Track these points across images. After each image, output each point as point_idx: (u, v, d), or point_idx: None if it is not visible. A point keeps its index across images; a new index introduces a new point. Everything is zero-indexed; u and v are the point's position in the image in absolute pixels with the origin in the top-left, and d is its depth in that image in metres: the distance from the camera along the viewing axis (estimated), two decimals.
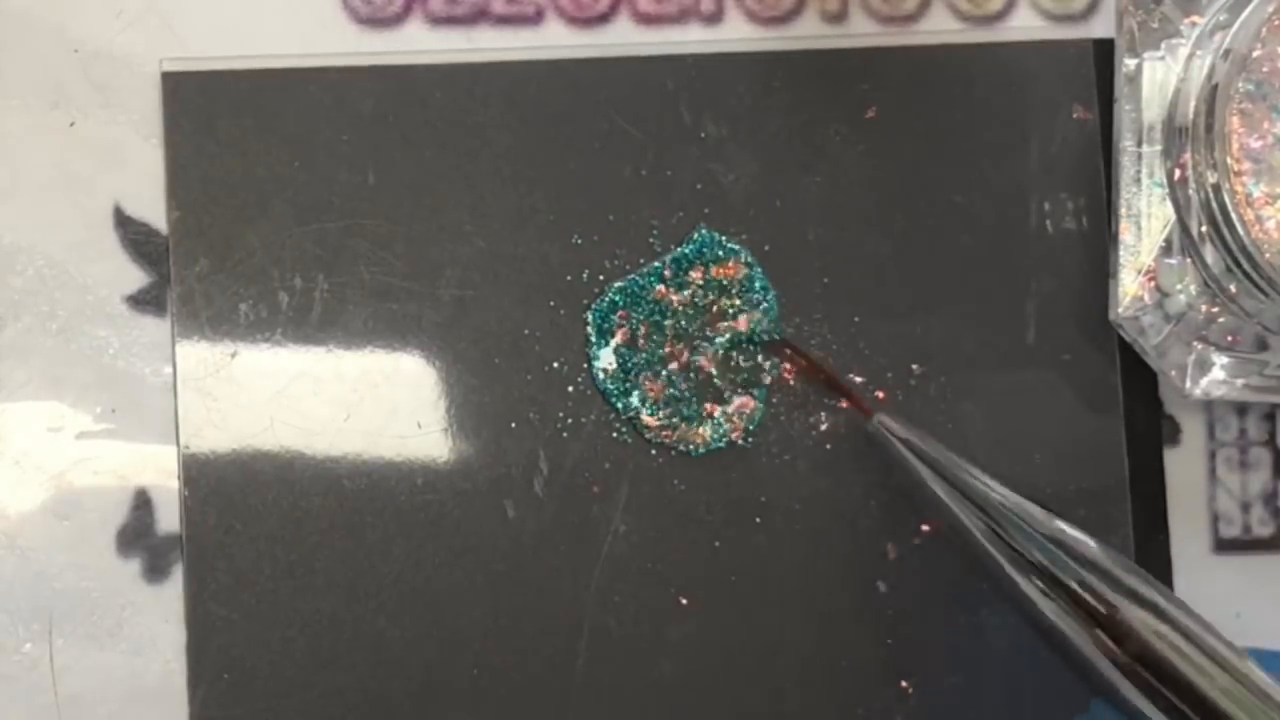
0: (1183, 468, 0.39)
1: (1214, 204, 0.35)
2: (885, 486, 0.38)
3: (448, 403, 0.38)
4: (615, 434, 0.38)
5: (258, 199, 0.38)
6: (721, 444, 0.38)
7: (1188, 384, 0.37)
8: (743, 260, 0.38)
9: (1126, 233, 0.37)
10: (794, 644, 0.38)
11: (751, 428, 0.38)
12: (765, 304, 0.38)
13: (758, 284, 0.38)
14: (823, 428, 0.38)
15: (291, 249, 0.38)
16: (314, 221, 0.38)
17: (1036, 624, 0.34)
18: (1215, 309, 0.37)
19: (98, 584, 0.37)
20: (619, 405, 0.38)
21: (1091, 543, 0.33)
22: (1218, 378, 0.37)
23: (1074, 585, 0.33)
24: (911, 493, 0.36)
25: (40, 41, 0.38)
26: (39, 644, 0.37)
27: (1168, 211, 0.37)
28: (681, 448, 0.38)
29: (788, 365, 0.38)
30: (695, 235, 0.38)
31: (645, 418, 0.38)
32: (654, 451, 0.38)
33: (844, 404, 0.38)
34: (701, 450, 0.38)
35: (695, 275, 0.38)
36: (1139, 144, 0.37)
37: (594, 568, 0.38)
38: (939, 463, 0.35)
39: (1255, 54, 0.35)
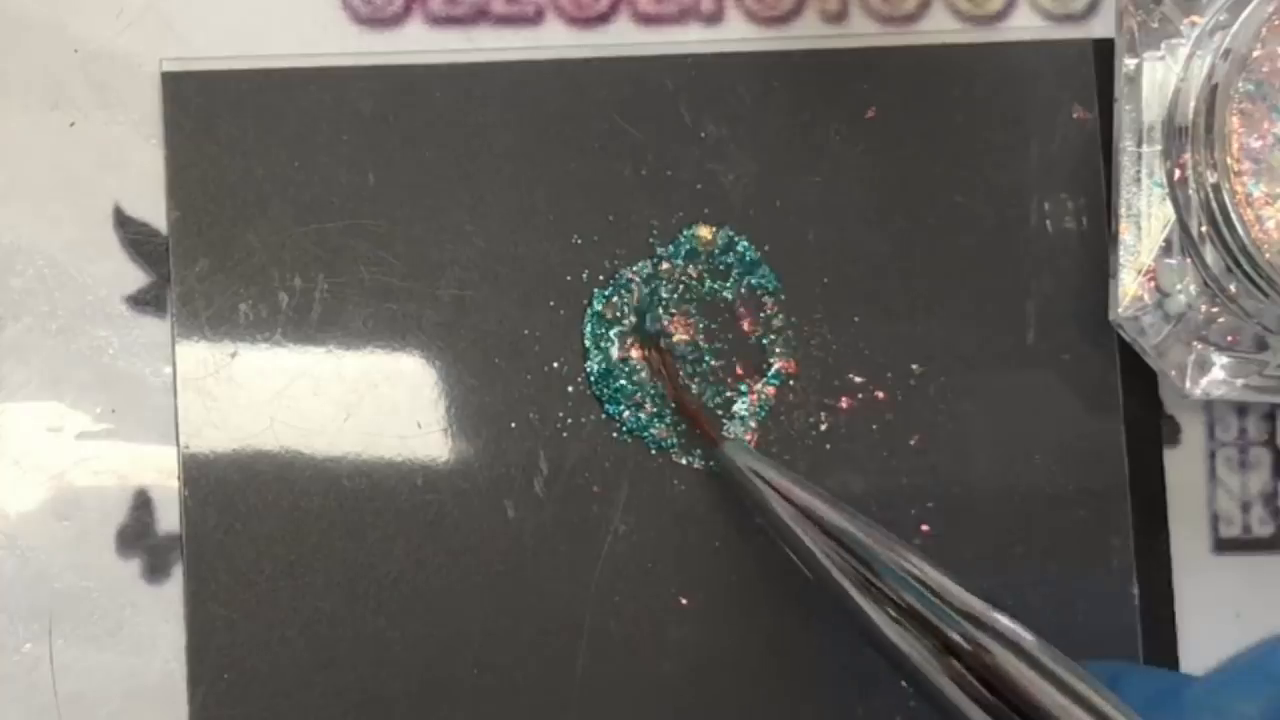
0: (1183, 468, 0.39)
1: (1214, 204, 0.35)
2: (885, 487, 0.38)
3: (448, 403, 0.38)
4: (615, 434, 0.38)
5: (258, 199, 0.38)
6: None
7: (1188, 384, 0.37)
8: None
9: (1126, 233, 0.37)
10: (794, 644, 0.38)
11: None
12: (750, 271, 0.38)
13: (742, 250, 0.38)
14: (823, 428, 0.38)
15: (291, 249, 0.38)
16: (314, 221, 0.38)
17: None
18: (1215, 309, 0.37)
19: (98, 584, 0.37)
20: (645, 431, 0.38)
21: (940, 576, 0.32)
22: (1217, 378, 0.37)
23: (929, 617, 0.31)
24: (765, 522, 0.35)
25: (40, 41, 0.38)
26: (39, 644, 0.37)
27: (1168, 211, 0.37)
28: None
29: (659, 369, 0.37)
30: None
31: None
32: (654, 451, 0.38)
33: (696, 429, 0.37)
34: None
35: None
36: (1139, 144, 0.37)
37: (594, 568, 0.38)
38: (790, 490, 0.34)
39: (1255, 54, 0.35)
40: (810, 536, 0.33)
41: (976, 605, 0.31)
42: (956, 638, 0.31)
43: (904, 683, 0.32)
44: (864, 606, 0.32)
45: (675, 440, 0.38)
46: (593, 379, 0.38)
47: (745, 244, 0.38)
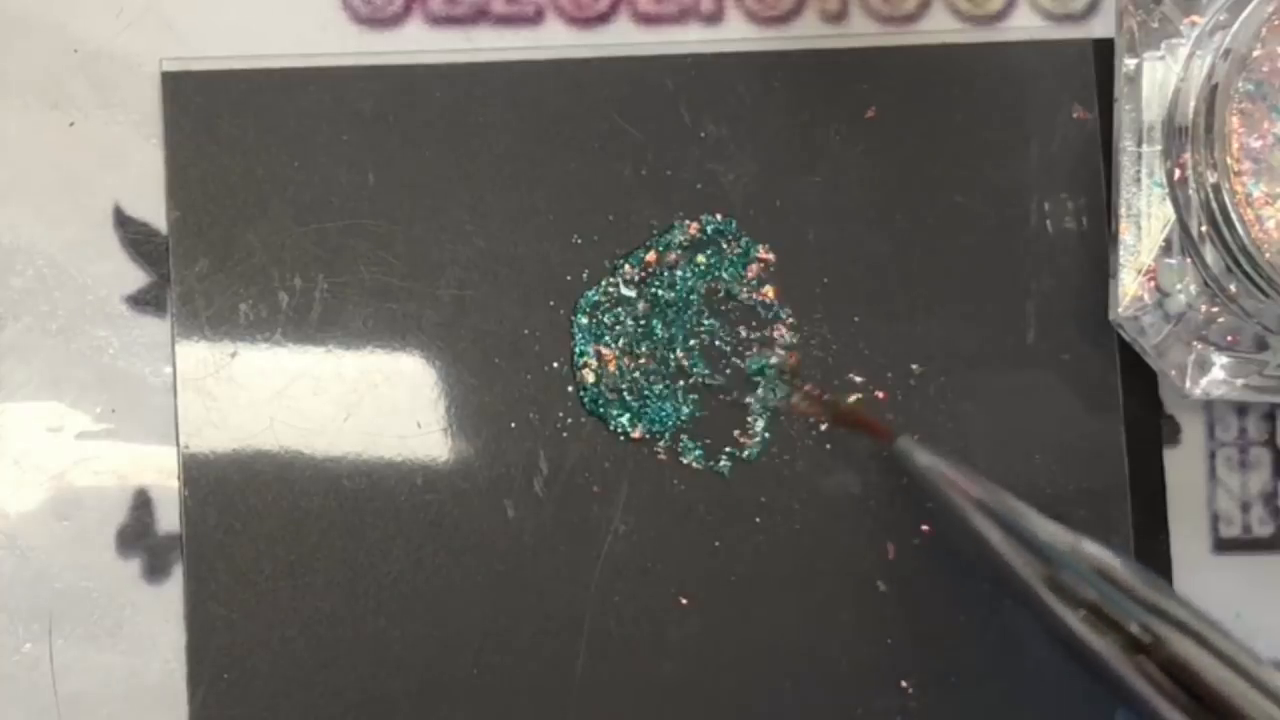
0: (1183, 468, 0.39)
1: (1214, 204, 0.35)
2: (885, 487, 0.38)
3: (447, 403, 0.38)
4: (615, 434, 0.38)
5: (258, 199, 0.38)
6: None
7: (1188, 384, 0.37)
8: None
9: (1126, 233, 0.37)
10: (794, 644, 0.38)
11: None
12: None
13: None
14: (823, 427, 0.38)
15: (291, 249, 0.38)
16: (314, 221, 0.38)
17: (1054, 634, 0.33)
18: (1215, 309, 0.37)
19: (98, 584, 0.37)
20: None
21: (1120, 563, 0.32)
22: (1217, 378, 0.37)
23: (1117, 617, 0.31)
24: (935, 515, 0.35)
25: (40, 41, 0.38)
26: (39, 644, 0.37)
27: (1168, 211, 0.37)
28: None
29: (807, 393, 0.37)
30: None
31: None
32: (663, 447, 0.38)
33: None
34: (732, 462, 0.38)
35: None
36: (1139, 144, 0.37)
37: (594, 568, 0.38)
38: (969, 490, 0.34)
39: (1255, 54, 0.35)
40: (995, 535, 0.33)
41: (1156, 595, 0.31)
42: (1137, 631, 0.31)
43: (1093, 677, 0.32)
44: (1052, 604, 0.32)
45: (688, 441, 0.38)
46: (586, 402, 0.38)
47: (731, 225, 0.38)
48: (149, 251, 0.38)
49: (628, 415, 0.38)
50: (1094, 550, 0.32)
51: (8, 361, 0.38)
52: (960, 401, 0.38)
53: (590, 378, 0.37)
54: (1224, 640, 0.31)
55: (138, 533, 0.37)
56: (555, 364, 0.38)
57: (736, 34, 0.39)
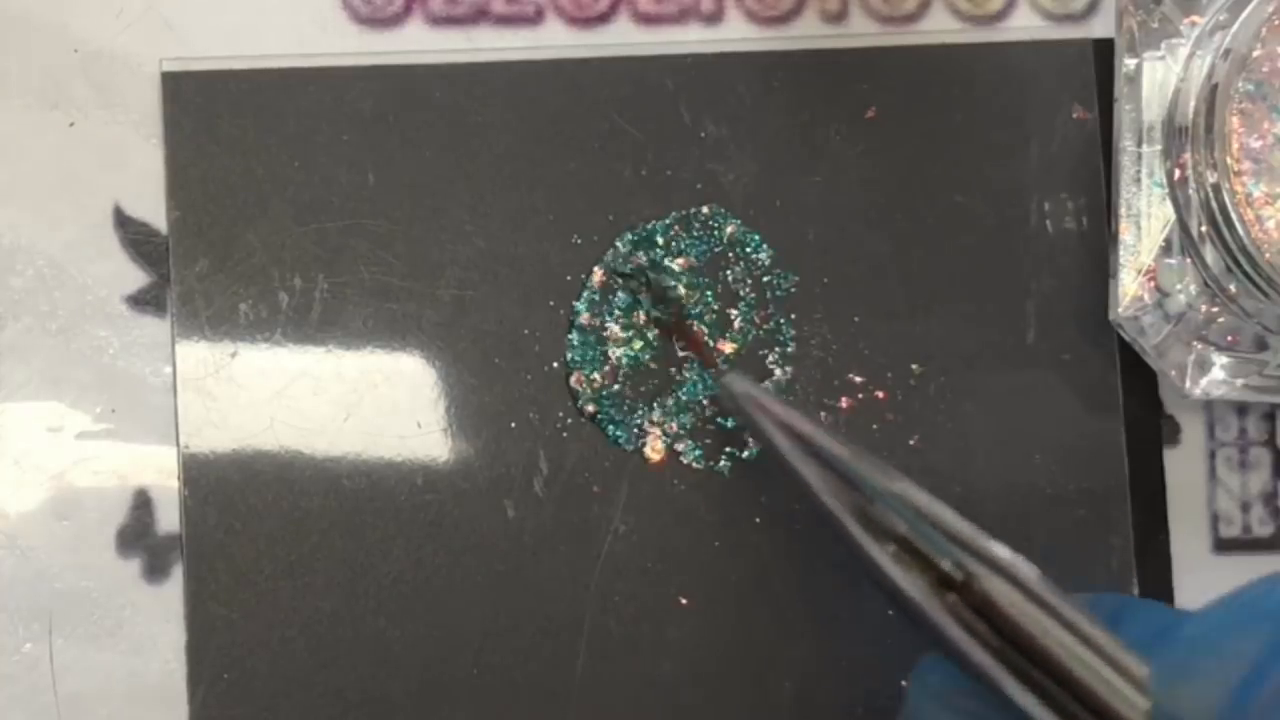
0: (1183, 468, 0.39)
1: (1214, 204, 0.35)
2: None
3: (447, 403, 0.38)
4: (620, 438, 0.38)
5: (258, 199, 0.38)
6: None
7: (1188, 384, 0.37)
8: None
9: (1126, 233, 0.37)
10: (794, 644, 0.38)
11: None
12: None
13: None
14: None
15: (291, 249, 0.38)
16: (314, 221, 0.38)
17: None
18: (1215, 309, 0.37)
19: (98, 584, 0.37)
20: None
21: (931, 499, 0.30)
22: (1217, 378, 0.37)
23: (922, 547, 0.30)
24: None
25: (40, 41, 0.38)
26: (39, 644, 0.37)
27: (1168, 211, 0.37)
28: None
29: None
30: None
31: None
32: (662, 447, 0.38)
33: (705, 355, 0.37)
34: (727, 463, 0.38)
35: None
36: (1139, 144, 0.37)
37: (594, 568, 0.38)
38: (789, 419, 0.32)
39: (1255, 54, 0.35)
40: (807, 467, 0.32)
41: (970, 533, 0.30)
42: (949, 568, 0.30)
43: (901, 620, 0.31)
44: (859, 539, 0.31)
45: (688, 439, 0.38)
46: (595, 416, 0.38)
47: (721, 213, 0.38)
48: (149, 251, 0.38)
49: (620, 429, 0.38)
50: (906, 485, 0.31)
51: (8, 361, 0.38)
52: (960, 401, 0.38)
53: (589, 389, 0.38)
54: (1038, 581, 0.30)
55: (138, 533, 0.37)
56: (555, 364, 0.38)
57: (736, 34, 0.39)
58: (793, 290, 0.38)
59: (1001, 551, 0.30)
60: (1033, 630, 0.29)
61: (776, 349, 0.38)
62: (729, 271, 0.38)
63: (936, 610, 0.30)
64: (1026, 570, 0.30)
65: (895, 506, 0.31)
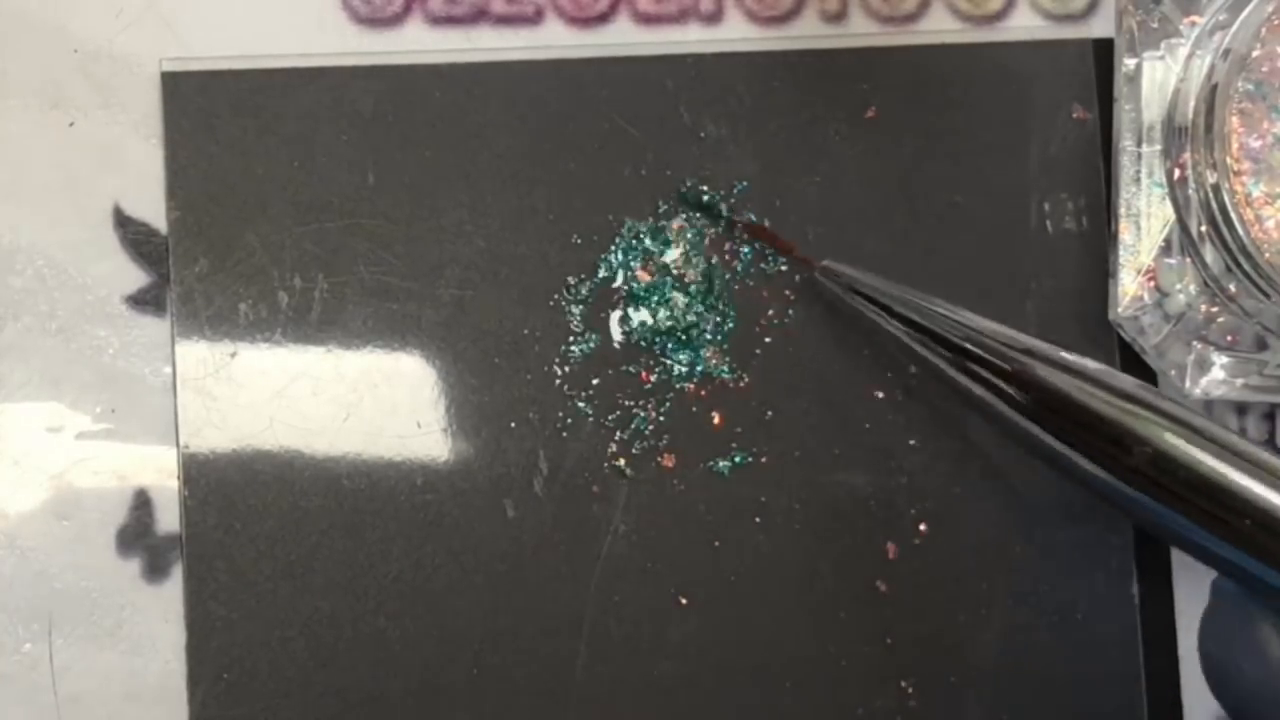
0: None
1: (1214, 204, 0.35)
2: (885, 487, 0.38)
3: (447, 403, 0.38)
4: (615, 433, 0.38)
5: (258, 199, 0.38)
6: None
7: (1188, 384, 0.37)
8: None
9: (1126, 233, 0.37)
10: (794, 644, 0.38)
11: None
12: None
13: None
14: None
15: (291, 249, 0.38)
16: (314, 221, 0.38)
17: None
18: (1215, 309, 0.37)
19: (98, 584, 0.37)
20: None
21: (992, 325, 0.35)
22: (1217, 377, 0.37)
23: (982, 354, 0.35)
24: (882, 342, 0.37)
25: (40, 41, 0.38)
26: (39, 644, 0.37)
27: (1167, 211, 0.37)
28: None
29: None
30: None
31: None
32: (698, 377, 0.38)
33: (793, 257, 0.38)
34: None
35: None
36: (1139, 144, 0.37)
37: (594, 568, 0.38)
38: (889, 296, 0.36)
39: (1255, 54, 0.35)
40: (899, 327, 0.36)
41: (1021, 338, 0.34)
42: (1003, 364, 0.34)
43: (1007, 436, 0.35)
44: (949, 371, 0.35)
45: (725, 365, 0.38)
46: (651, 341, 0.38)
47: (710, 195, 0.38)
48: (149, 251, 0.38)
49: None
50: (971, 318, 0.35)
51: (8, 361, 0.38)
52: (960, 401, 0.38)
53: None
54: (1088, 365, 0.34)
55: (138, 533, 0.37)
56: (555, 364, 0.38)
57: (736, 34, 0.39)
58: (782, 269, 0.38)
59: (1052, 350, 0.34)
60: (1079, 399, 0.34)
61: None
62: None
63: (1003, 407, 0.34)
64: (1075, 360, 0.34)
65: (962, 325, 0.35)
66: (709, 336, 0.38)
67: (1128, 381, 0.34)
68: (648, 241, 0.38)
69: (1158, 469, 0.32)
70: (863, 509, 0.38)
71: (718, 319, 0.38)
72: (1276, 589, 0.32)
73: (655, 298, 0.38)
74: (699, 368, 0.38)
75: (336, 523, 0.37)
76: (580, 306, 0.38)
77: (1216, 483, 0.32)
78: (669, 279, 0.38)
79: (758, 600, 0.38)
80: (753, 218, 0.38)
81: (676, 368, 0.38)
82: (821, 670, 0.38)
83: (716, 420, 0.38)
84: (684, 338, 0.38)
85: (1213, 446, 0.32)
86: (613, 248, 0.38)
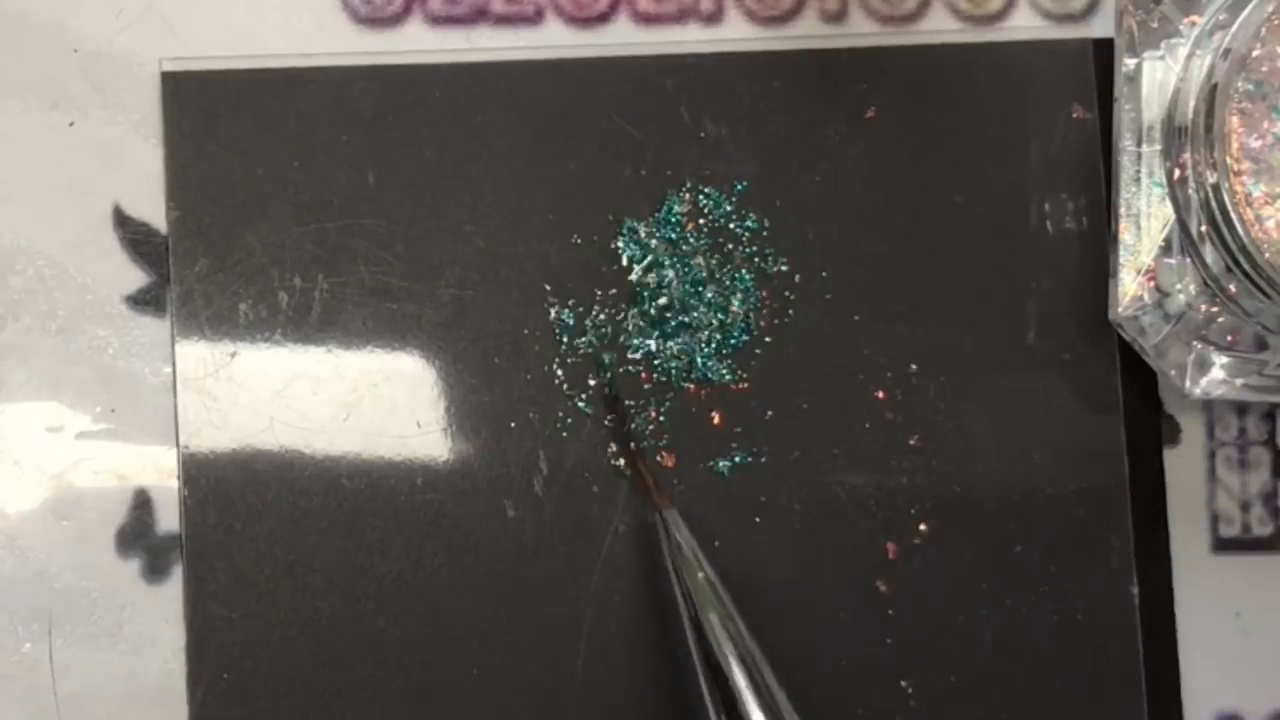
0: (1182, 467, 0.39)
1: (1214, 204, 0.35)
2: (885, 487, 0.38)
3: (447, 403, 0.38)
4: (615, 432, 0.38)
5: (257, 199, 0.38)
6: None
7: (1187, 384, 0.37)
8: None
9: (1126, 233, 0.37)
10: (794, 644, 0.38)
11: None
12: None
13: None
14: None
15: (291, 249, 0.38)
16: (314, 221, 0.38)
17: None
18: (1215, 309, 0.37)
19: (98, 584, 0.37)
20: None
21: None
22: (1217, 377, 0.37)
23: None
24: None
25: (40, 41, 0.38)
26: (39, 644, 0.37)
27: (1167, 211, 0.37)
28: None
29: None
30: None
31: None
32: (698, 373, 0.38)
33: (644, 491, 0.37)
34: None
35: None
36: (1139, 144, 0.37)
37: (594, 567, 0.38)
38: (700, 581, 0.36)
39: (1255, 54, 0.35)
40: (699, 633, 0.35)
41: None
42: None
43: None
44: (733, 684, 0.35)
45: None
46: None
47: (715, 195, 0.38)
48: (149, 251, 0.38)
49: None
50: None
51: (8, 361, 0.38)
52: (960, 401, 0.38)
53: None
54: None
55: (138, 533, 0.37)
56: (555, 364, 0.38)
57: (736, 34, 0.39)
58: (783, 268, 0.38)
59: None
60: None
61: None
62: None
63: None
64: None
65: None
66: (709, 336, 0.38)
67: None
68: (648, 241, 0.38)
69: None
70: (863, 509, 0.38)
71: (718, 319, 0.38)
72: None
73: (655, 297, 0.38)
74: (699, 368, 0.38)
75: (336, 523, 0.37)
76: (580, 306, 0.38)
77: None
78: (669, 279, 0.38)
79: (757, 601, 0.38)
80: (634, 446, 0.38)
81: (676, 368, 0.38)
82: (821, 670, 0.38)
83: (716, 420, 0.38)
84: (684, 338, 0.38)
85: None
86: (613, 247, 0.38)
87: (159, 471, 0.38)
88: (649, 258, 0.38)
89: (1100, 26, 0.39)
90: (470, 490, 0.38)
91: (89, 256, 0.38)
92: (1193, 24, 0.37)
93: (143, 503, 0.37)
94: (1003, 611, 0.38)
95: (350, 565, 0.37)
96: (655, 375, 0.38)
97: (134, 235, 0.38)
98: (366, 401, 0.38)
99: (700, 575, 0.35)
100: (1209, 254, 0.36)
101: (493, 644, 0.37)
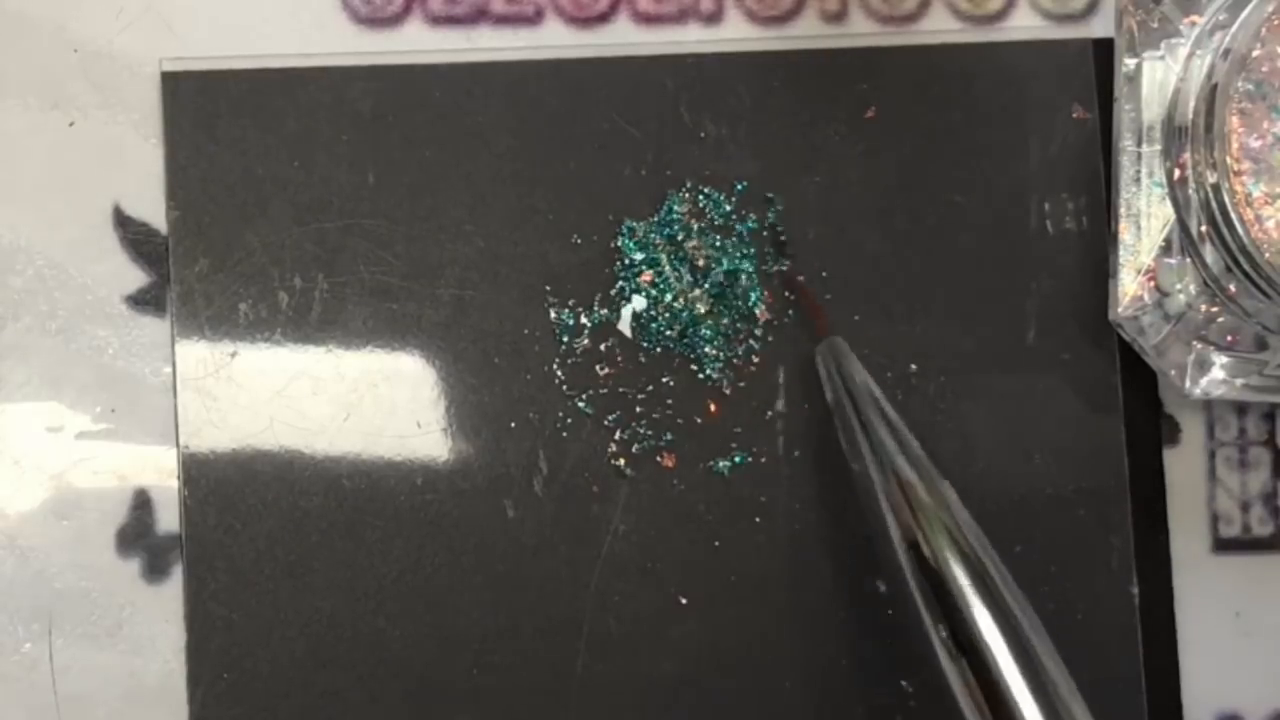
0: (1182, 467, 0.39)
1: (1214, 204, 0.35)
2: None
3: (447, 403, 0.38)
4: (615, 433, 0.38)
5: (257, 199, 0.38)
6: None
7: (1187, 384, 0.37)
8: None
9: (1126, 233, 0.37)
10: (794, 644, 0.38)
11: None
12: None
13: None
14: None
15: (291, 249, 0.38)
16: (314, 221, 0.38)
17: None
18: (1215, 309, 0.37)
19: (98, 584, 0.37)
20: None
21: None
22: (1217, 377, 0.37)
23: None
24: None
25: (40, 41, 0.38)
26: (39, 644, 0.37)
27: (1167, 211, 0.37)
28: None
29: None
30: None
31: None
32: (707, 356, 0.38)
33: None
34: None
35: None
36: (1139, 144, 0.37)
37: (594, 568, 0.38)
38: (864, 399, 0.36)
39: (1255, 54, 0.35)
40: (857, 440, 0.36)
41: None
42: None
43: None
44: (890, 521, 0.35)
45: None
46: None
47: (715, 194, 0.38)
48: (149, 251, 0.38)
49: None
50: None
51: (8, 361, 0.38)
52: (960, 401, 0.38)
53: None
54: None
55: (138, 533, 0.37)
56: (555, 364, 0.38)
57: (736, 34, 0.39)
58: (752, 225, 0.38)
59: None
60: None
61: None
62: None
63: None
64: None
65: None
66: (709, 336, 0.38)
67: None
68: (648, 241, 0.38)
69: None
70: (863, 509, 0.38)
71: (717, 319, 0.38)
72: None
73: (655, 298, 0.38)
74: (699, 368, 0.38)
75: (336, 523, 0.37)
76: (580, 306, 0.38)
77: None
78: (669, 279, 0.38)
79: (758, 600, 0.38)
80: (800, 278, 0.38)
81: (677, 367, 0.38)
82: (821, 670, 0.38)
83: (716, 420, 0.38)
84: (684, 338, 0.38)
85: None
86: (613, 247, 0.38)
87: (159, 471, 0.38)
88: (649, 258, 0.38)
89: (1100, 26, 0.39)
90: (470, 490, 0.38)
91: (89, 256, 0.38)
92: (1193, 24, 0.37)
93: (143, 503, 0.37)
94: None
95: (350, 565, 0.37)
96: (655, 375, 0.38)
97: (134, 235, 0.38)
98: (366, 401, 0.38)
99: (874, 407, 0.36)
100: (1209, 254, 0.36)
101: (493, 644, 0.37)
